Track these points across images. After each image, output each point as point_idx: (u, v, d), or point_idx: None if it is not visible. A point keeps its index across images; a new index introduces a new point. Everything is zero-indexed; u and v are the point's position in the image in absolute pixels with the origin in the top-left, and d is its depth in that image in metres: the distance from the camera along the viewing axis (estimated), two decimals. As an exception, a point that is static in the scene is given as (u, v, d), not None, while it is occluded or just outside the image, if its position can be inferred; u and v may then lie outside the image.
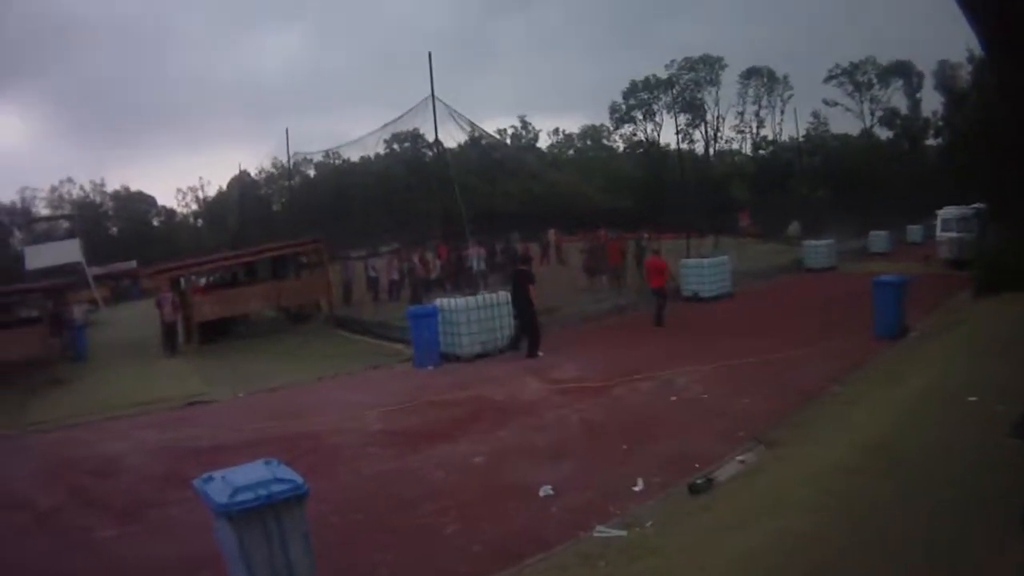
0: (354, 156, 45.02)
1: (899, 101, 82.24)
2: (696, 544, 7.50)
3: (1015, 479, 7.22)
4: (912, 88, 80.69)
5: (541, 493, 9.33)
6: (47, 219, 76.55)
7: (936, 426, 10.14)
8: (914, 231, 49.57)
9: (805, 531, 7.25)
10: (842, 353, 16.08)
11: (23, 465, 13.17)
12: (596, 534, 7.98)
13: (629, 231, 32.83)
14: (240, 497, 5.77)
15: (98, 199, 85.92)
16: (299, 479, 6.07)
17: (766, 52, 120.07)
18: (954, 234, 33.21)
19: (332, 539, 8.11)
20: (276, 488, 5.92)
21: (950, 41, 71.55)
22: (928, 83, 76.29)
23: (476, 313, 19.88)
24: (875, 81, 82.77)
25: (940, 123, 70.16)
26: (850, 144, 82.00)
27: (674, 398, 13.82)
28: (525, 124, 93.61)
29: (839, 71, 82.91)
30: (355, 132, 61.90)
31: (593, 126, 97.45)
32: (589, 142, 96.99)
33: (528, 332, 19.77)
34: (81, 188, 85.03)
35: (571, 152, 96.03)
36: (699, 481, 9.06)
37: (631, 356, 18.09)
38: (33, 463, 13.30)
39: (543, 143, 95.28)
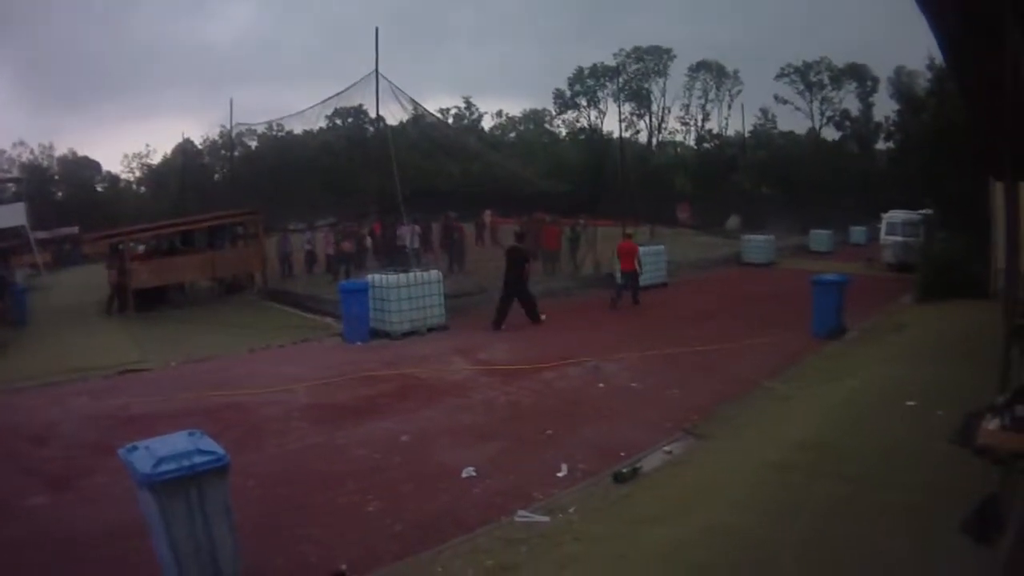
0: (297, 129, 44.70)
1: (851, 103, 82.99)
2: (619, 533, 7.66)
3: (953, 485, 7.32)
4: (866, 91, 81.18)
5: (464, 475, 9.47)
6: (-5, 181, 75.57)
7: (872, 427, 10.45)
8: (858, 232, 50.11)
9: (731, 525, 7.48)
10: (778, 349, 16.42)
11: (-45, 429, 13.08)
12: (518, 518, 8.10)
13: (567, 216, 33.02)
14: (163, 467, 5.95)
15: (46, 163, 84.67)
16: (221, 451, 6.31)
17: (720, 48, 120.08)
18: (899, 238, 33.70)
19: (256, 513, 8.27)
20: (198, 459, 6.10)
21: (906, 47, 72.36)
22: (883, 87, 76.91)
23: (407, 291, 20.11)
24: (827, 82, 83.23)
25: (892, 128, 70.88)
26: (796, 141, 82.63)
27: (603, 385, 14.06)
28: (469, 105, 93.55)
29: (791, 69, 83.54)
30: (301, 106, 61.82)
31: (536, 110, 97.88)
32: (531, 126, 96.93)
33: (524, 306, 21.29)
34: (31, 152, 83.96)
35: (513, 135, 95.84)
36: (624, 470, 9.20)
37: (562, 341, 18.41)
38: (-36, 427, 13.20)
39: (486, 124, 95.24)
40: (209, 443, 6.34)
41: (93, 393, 15.27)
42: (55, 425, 12.88)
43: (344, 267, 30.27)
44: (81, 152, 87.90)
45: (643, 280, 26.21)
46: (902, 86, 63.33)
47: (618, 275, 24.48)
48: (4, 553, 7.95)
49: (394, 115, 29.14)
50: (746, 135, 79.82)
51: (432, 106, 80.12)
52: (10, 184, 70.43)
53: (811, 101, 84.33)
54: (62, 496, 9.50)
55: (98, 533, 8.22)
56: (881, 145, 76.76)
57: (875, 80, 79.58)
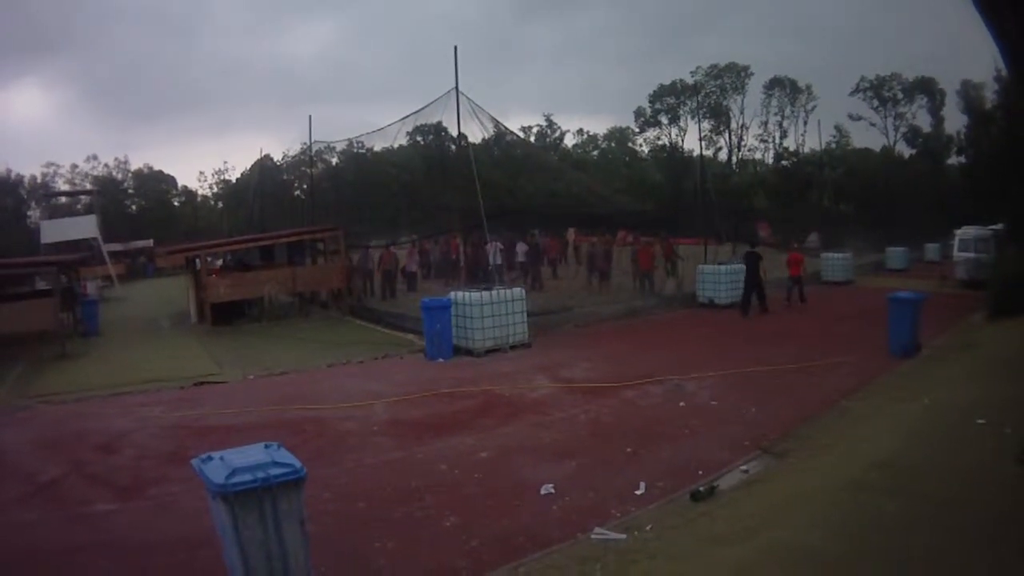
0: (377, 146, 44.89)
1: (923, 118, 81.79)
2: (694, 552, 7.45)
3: (1020, 505, 7.14)
4: (935, 106, 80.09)
5: (542, 491, 9.29)
6: (66, 194, 76.91)
7: (944, 446, 10.13)
8: (932, 249, 49.15)
9: (805, 545, 7.20)
10: (855, 367, 16.04)
11: (27, 437, 13.13)
12: (595, 536, 7.93)
13: (649, 234, 32.64)
14: (237, 478, 5.82)
15: (120, 177, 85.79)
16: (297, 463, 6.13)
17: (793, 64, 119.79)
18: (971, 254, 32.99)
19: (332, 526, 8.23)
20: (274, 471, 5.97)
21: (975, 59, 71.32)
22: (951, 101, 75.79)
23: (490, 308, 19.82)
24: (900, 97, 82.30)
25: (963, 142, 69.73)
26: (871, 159, 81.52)
27: (683, 403, 13.73)
28: (551, 123, 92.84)
29: (866, 85, 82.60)
30: (379, 123, 61.82)
31: (619, 128, 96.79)
32: (614, 144, 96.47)
33: (758, 298, 25.45)
34: (105, 165, 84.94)
35: (595, 153, 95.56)
36: (701, 488, 9.05)
37: (644, 359, 18.09)
38: (37, 435, 13.24)
39: (568, 142, 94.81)
40: (286, 455, 6.24)
41: (166, 404, 15.24)
42: (126, 434, 12.85)
43: (406, 283, 30.34)
44: (156, 166, 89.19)
45: (725, 298, 27.19)
46: (970, 99, 62.41)
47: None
48: (71, 559, 7.87)
49: (474, 133, 29.03)
50: (821, 152, 78.98)
51: (513, 124, 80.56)
52: (83, 196, 71.74)
53: (885, 117, 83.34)
54: (131, 504, 9.50)
55: (166, 541, 8.16)
56: (953, 160, 75.80)
57: (943, 94, 78.44)
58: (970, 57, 71.28)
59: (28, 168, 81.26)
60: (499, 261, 29.29)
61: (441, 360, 18.95)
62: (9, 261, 31.01)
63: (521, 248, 31.72)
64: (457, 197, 28.82)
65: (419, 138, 66.77)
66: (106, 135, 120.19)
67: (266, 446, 6.38)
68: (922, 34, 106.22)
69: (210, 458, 6.16)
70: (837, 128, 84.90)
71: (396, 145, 42.74)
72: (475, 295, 19.94)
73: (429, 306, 19.55)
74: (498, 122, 30.44)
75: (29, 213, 75.89)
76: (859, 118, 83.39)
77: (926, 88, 79.93)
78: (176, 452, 11.40)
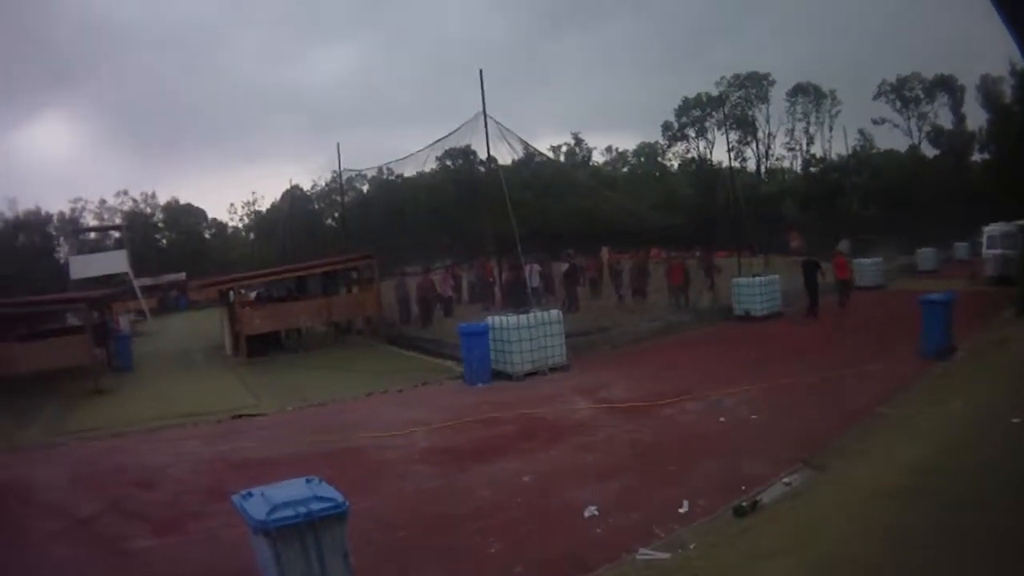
0: (407, 171, 45.06)
1: (945, 116, 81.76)
2: (738, 568, 7.46)
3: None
4: (956, 103, 79.84)
5: (586, 514, 9.18)
6: (95, 229, 77.69)
7: (982, 449, 10.11)
8: (961, 248, 49.23)
9: (850, 558, 7.18)
10: (890, 373, 15.95)
11: (63, 473, 13.13)
12: (639, 556, 7.88)
13: (682, 249, 32.67)
14: (278, 514, 5.79)
15: (149, 211, 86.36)
16: (339, 497, 6.09)
17: (814, 70, 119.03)
18: (999, 251, 32.85)
19: (375, 556, 8.06)
20: (316, 506, 5.91)
21: (991, 53, 70.95)
22: (971, 97, 75.47)
23: (528, 331, 19.71)
24: (922, 96, 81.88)
25: (985, 138, 69.43)
26: (896, 161, 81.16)
27: (723, 419, 13.62)
28: (579, 141, 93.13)
29: (887, 87, 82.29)
30: (408, 148, 61.89)
31: (648, 143, 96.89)
32: (643, 159, 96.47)
33: (812, 303, 26.73)
34: (132, 200, 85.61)
35: (625, 169, 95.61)
36: (744, 504, 9.01)
37: (682, 376, 17.93)
38: (74, 471, 13.23)
39: (597, 159, 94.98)
40: (328, 490, 6.17)
41: (204, 438, 15.25)
42: (163, 469, 12.80)
43: (441, 308, 30.43)
44: (184, 199, 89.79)
45: (761, 310, 27.46)
46: (989, 94, 61.98)
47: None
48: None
49: (503, 156, 28.90)
50: (847, 156, 78.67)
51: (542, 143, 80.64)
52: (113, 232, 72.26)
53: (908, 118, 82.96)
54: (170, 539, 9.46)
55: (206, 576, 8.04)
56: (976, 157, 75.47)
57: (962, 90, 78.44)
58: (986, 52, 71.17)
59: (56, 204, 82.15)
60: (536, 283, 29.25)
61: (480, 385, 18.85)
62: (41, 298, 31.20)
63: (557, 268, 31.49)
64: (489, 220, 28.77)
65: (448, 162, 66.92)
66: (133, 169, 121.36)
67: (307, 480, 6.33)
68: (937, 31, 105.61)
69: (251, 494, 6.14)
70: (861, 132, 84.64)
71: (428, 169, 42.73)
72: (512, 319, 19.82)
73: (467, 331, 19.51)
74: (527, 144, 30.44)
75: (58, 249, 76.46)
76: (883, 121, 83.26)
77: (946, 86, 79.81)
78: (214, 486, 11.34)
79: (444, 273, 33.27)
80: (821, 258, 28.00)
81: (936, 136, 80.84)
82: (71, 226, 77.18)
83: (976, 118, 74.82)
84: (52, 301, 30.58)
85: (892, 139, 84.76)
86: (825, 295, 27.43)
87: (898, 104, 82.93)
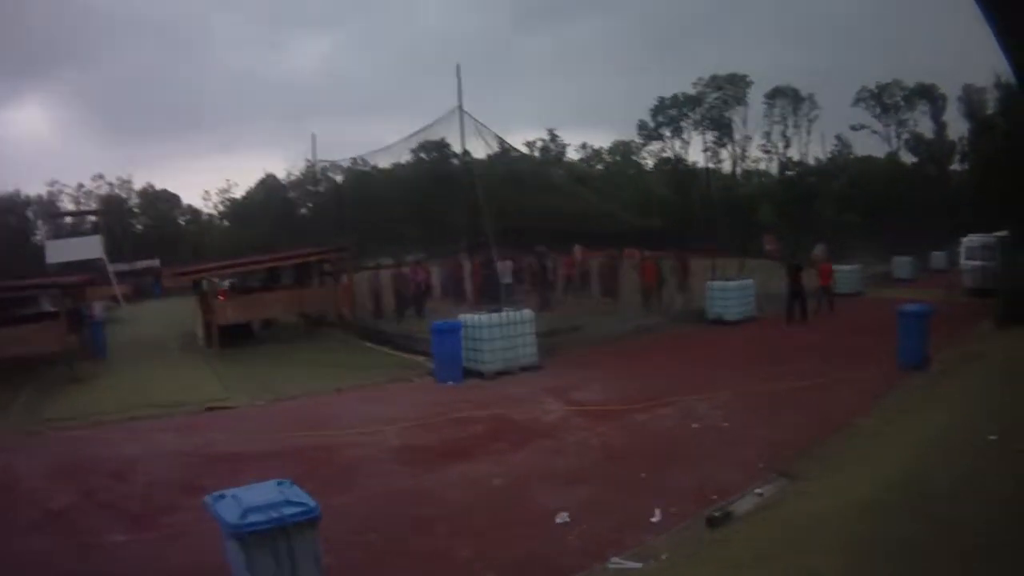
0: (382, 163, 44.93)
1: (925, 125, 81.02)
2: None
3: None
4: (937, 111, 79.72)
5: (558, 520, 9.23)
6: (72, 214, 76.60)
7: (958, 466, 10.00)
8: (938, 258, 48.93)
9: (819, 570, 7.17)
10: (865, 383, 15.98)
11: (38, 463, 13.14)
12: (611, 565, 7.93)
13: (657, 249, 32.64)
14: (251, 518, 5.82)
15: (125, 195, 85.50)
16: (312, 502, 6.14)
17: (794, 73, 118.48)
18: (978, 262, 33.02)
19: (346, 559, 8.11)
20: (288, 511, 5.96)
21: (974, 66, 71.20)
22: (952, 107, 75.59)
23: (500, 330, 19.83)
24: (902, 104, 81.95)
25: (966, 148, 69.70)
26: (875, 166, 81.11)
27: (696, 425, 13.67)
28: (554, 137, 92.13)
29: (866, 93, 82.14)
30: (383, 139, 61.52)
31: (623, 141, 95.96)
32: (619, 158, 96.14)
33: (800, 308, 27.00)
34: (109, 184, 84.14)
35: (600, 167, 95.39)
36: (716, 514, 8.99)
37: (654, 379, 18.01)
38: (47, 461, 13.24)
39: (572, 156, 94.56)
40: (299, 493, 6.22)
41: (177, 430, 15.28)
42: (136, 461, 12.79)
43: (413, 303, 30.57)
44: (160, 185, 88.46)
45: (734, 314, 27.39)
46: (971, 105, 62.21)
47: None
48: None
49: (478, 151, 28.88)
50: (825, 161, 78.74)
51: (517, 138, 79.76)
52: (89, 217, 71.71)
53: (887, 125, 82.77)
54: (143, 535, 9.44)
55: (178, 572, 8.19)
56: (956, 166, 75.67)
57: (944, 99, 77.70)
58: (969, 64, 71.31)
59: (33, 187, 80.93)
60: (508, 280, 29.18)
61: (451, 383, 18.88)
62: (13, 283, 30.96)
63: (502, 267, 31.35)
64: (463, 214, 28.83)
65: (423, 155, 66.66)
66: (109, 153, 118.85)
67: (279, 483, 6.38)
68: (921, 39, 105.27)
69: (223, 496, 6.16)
70: (839, 138, 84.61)
71: (404, 161, 42.69)
72: (484, 317, 19.95)
73: (439, 329, 19.55)
74: (502, 140, 30.51)
75: (36, 233, 75.68)
76: (861, 127, 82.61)
77: (927, 94, 79.37)
78: (188, 480, 11.35)
79: (414, 267, 33.19)
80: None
81: (915, 144, 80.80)
82: (48, 209, 76.44)
83: (956, 127, 75.22)
84: (25, 286, 30.37)
85: (870, 146, 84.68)
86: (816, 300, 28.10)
87: (877, 110, 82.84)
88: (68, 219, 75.64)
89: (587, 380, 18.51)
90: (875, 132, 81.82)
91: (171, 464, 12.69)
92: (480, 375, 19.46)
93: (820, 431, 12.58)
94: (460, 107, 24.91)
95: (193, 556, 8.38)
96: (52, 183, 79.16)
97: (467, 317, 20.41)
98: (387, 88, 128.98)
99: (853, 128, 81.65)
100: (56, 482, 11.92)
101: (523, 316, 20.47)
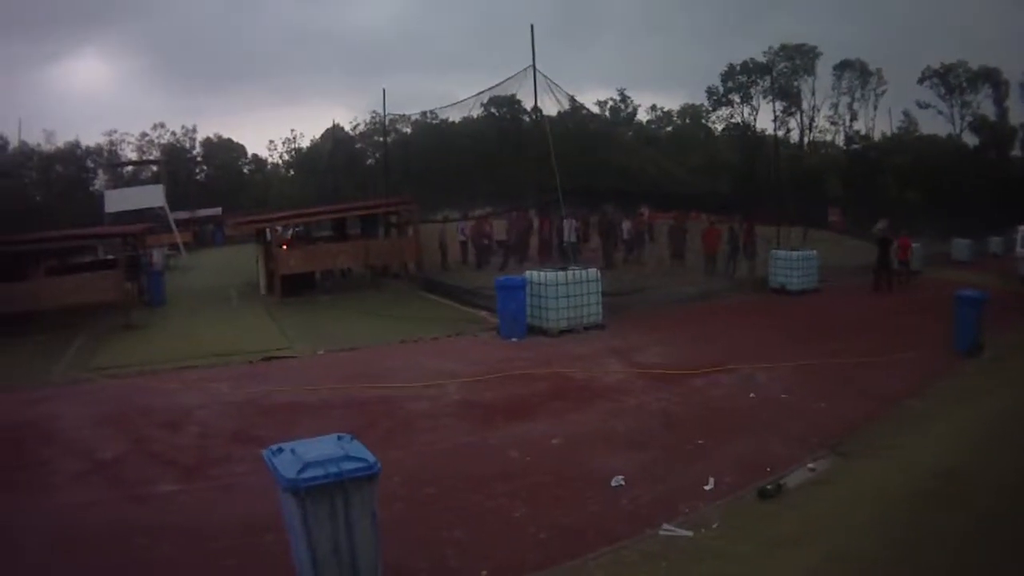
0: (452, 117, 44.79)
1: (988, 108, 79.96)
2: (757, 554, 7.51)
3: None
4: (999, 96, 78.55)
5: (613, 483, 9.20)
6: (133, 163, 76.76)
7: (1006, 457, 10.17)
8: (996, 243, 48.05)
9: (867, 555, 7.30)
10: (920, 364, 15.85)
11: (88, 411, 13.13)
12: (662, 532, 7.93)
13: (723, 215, 32.57)
14: (309, 473, 5.71)
15: (188, 145, 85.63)
16: (371, 458, 6.02)
17: (862, 47, 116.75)
18: (1032, 250, 32.31)
19: (401, 513, 8.15)
20: (347, 466, 5.84)
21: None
22: (1015, 92, 74.33)
23: (565, 288, 19.67)
24: (965, 85, 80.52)
25: (1025, 134, 68.71)
26: (937, 146, 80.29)
27: (753, 395, 13.51)
28: (624, 98, 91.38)
29: (931, 73, 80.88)
30: (453, 95, 60.98)
31: (692, 105, 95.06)
32: (688, 120, 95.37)
33: (886, 277, 27.78)
34: (172, 133, 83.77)
35: (669, 129, 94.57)
36: (769, 487, 9.04)
37: (715, 345, 17.91)
38: (98, 410, 13.21)
39: (641, 118, 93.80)
40: (359, 448, 6.11)
41: (233, 379, 15.20)
42: (191, 411, 12.80)
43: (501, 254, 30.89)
44: (225, 135, 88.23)
45: (797, 284, 27.01)
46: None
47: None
48: (130, 543, 7.76)
49: (549, 108, 28.83)
50: (887, 138, 77.59)
51: (588, 97, 79.25)
52: (151, 166, 72.09)
53: (952, 106, 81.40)
54: (194, 485, 9.48)
55: (230, 525, 8.12)
56: (1018, 152, 74.48)
57: (1007, 85, 76.97)
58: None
59: (94, 138, 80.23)
60: (573, 239, 29.11)
61: (515, 339, 18.90)
62: (73, 232, 31.14)
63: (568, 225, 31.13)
64: (532, 171, 28.62)
65: (494, 110, 66.14)
66: (172, 103, 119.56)
67: (339, 438, 6.26)
68: (989, 21, 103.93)
69: (281, 450, 6.06)
70: (906, 114, 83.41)
71: (475, 115, 42.51)
72: (550, 275, 19.77)
73: (504, 285, 19.58)
74: (573, 98, 30.33)
75: (94, 182, 76.12)
76: (927, 106, 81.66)
77: (990, 78, 78.26)
78: (242, 431, 11.49)
79: (479, 221, 33.06)
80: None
81: (980, 125, 79.48)
82: (109, 159, 76.60)
83: (1017, 113, 74.45)
84: (85, 236, 30.54)
85: (936, 125, 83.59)
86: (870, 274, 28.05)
87: (942, 90, 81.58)
88: (129, 168, 75.93)
89: (650, 342, 18.39)
90: (940, 112, 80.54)
91: (226, 414, 12.73)
92: (544, 332, 19.45)
93: (875, 409, 12.60)
94: (533, 66, 24.84)
95: (245, 508, 8.48)
96: (111, 132, 79.21)
97: (532, 274, 20.32)
98: (459, 45, 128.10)
99: (920, 106, 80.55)
100: (106, 431, 11.92)
101: (589, 275, 20.24)
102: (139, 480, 9.62)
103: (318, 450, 5.96)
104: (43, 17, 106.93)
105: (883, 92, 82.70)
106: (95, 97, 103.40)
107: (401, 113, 49.99)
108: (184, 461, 10.32)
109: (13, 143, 70.34)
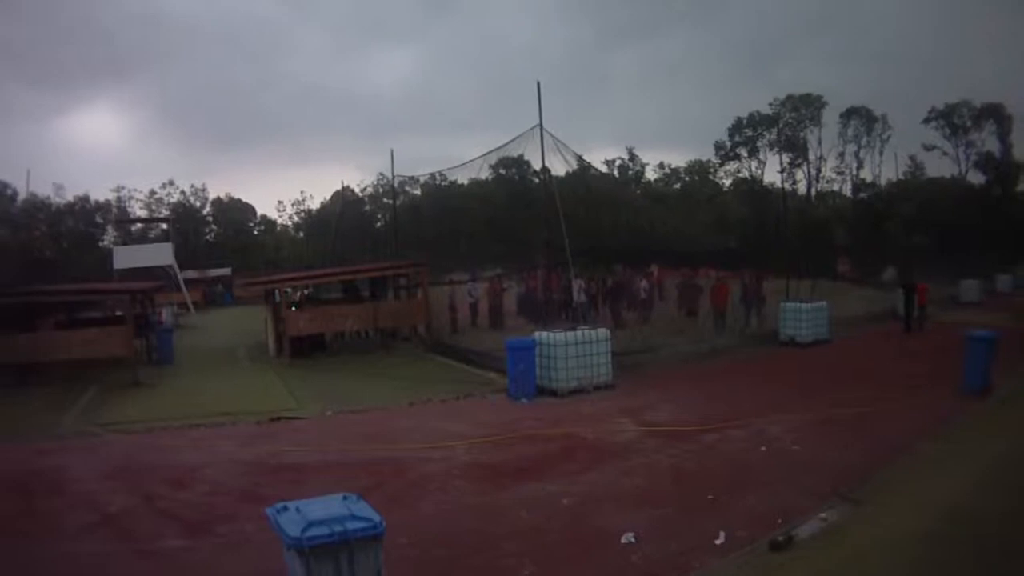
0: (460, 178, 45.08)
1: (992, 145, 79.76)
2: None
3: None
4: (1003, 131, 78.44)
5: (623, 540, 9.11)
6: (142, 220, 76.94)
7: (1018, 498, 10.12)
8: (1004, 280, 48.30)
9: None
10: (932, 408, 15.85)
11: (95, 465, 13.19)
12: (673, 587, 7.69)
13: (732, 270, 32.70)
14: (313, 532, 5.69)
15: (198, 204, 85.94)
16: (377, 517, 6.02)
17: (866, 92, 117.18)
18: (1042, 287, 32.60)
19: (410, 573, 8.12)
20: (351, 525, 5.83)
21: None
22: (1018, 126, 74.42)
23: (575, 348, 19.54)
24: (970, 124, 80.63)
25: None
26: (944, 189, 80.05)
27: (764, 448, 13.49)
28: (632, 156, 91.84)
29: (936, 114, 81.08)
30: (461, 156, 61.46)
31: (700, 161, 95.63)
32: (696, 177, 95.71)
33: (910, 320, 30.28)
34: (182, 192, 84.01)
35: (677, 186, 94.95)
36: (780, 538, 8.92)
37: (726, 401, 17.79)
38: (106, 464, 13.29)
39: (649, 176, 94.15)
40: (365, 508, 6.10)
41: (241, 439, 15.29)
42: (197, 469, 12.84)
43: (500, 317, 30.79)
44: (234, 195, 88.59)
45: (806, 336, 27.10)
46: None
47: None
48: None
49: (557, 168, 28.95)
50: (891, 185, 77.72)
51: (596, 156, 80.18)
52: (160, 224, 72.44)
53: (956, 146, 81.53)
54: (200, 541, 9.48)
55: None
56: (1023, 187, 74.40)
57: (1010, 119, 76.62)
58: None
59: (102, 193, 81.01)
60: (582, 298, 29.14)
61: (524, 400, 18.73)
62: (83, 287, 31.27)
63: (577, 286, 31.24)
64: (540, 232, 28.68)
65: (502, 171, 66.31)
66: (182, 161, 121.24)
67: (344, 497, 6.27)
68: (989, 57, 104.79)
69: (285, 508, 6.08)
70: (912, 159, 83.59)
71: (483, 177, 42.70)
72: (560, 335, 19.69)
73: (514, 346, 19.38)
74: (581, 157, 30.43)
75: (103, 237, 76.41)
76: (933, 147, 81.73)
77: (994, 113, 78.30)
78: (249, 489, 11.50)
79: (491, 282, 33.20)
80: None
81: (985, 163, 79.58)
82: (118, 216, 76.63)
83: (1022, 147, 74.31)
84: (94, 291, 30.63)
85: (941, 166, 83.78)
86: (887, 321, 30.05)
87: (947, 131, 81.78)
88: (138, 225, 76.26)
89: (660, 400, 18.31)
90: (945, 153, 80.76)
91: (233, 472, 12.75)
92: (554, 393, 19.24)
93: (886, 456, 12.49)
94: (540, 124, 25.02)
95: (251, 566, 8.52)
96: (119, 188, 79.40)
97: (542, 335, 20.14)
98: (468, 105, 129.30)
99: (926, 148, 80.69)
100: (113, 485, 11.97)
101: (598, 335, 20.14)
102: (146, 535, 9.63)
103: (323, 509, 5.97)
104: (55, 69, 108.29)
105: (888, 137, 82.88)
106: (104, 151, 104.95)
107: (410, 175, 50.22)
108: (191, 517, 10.35)
109: (22, 194, 70.35)
